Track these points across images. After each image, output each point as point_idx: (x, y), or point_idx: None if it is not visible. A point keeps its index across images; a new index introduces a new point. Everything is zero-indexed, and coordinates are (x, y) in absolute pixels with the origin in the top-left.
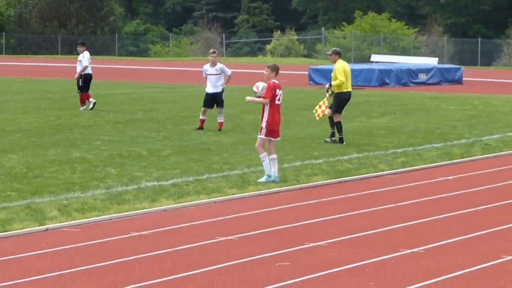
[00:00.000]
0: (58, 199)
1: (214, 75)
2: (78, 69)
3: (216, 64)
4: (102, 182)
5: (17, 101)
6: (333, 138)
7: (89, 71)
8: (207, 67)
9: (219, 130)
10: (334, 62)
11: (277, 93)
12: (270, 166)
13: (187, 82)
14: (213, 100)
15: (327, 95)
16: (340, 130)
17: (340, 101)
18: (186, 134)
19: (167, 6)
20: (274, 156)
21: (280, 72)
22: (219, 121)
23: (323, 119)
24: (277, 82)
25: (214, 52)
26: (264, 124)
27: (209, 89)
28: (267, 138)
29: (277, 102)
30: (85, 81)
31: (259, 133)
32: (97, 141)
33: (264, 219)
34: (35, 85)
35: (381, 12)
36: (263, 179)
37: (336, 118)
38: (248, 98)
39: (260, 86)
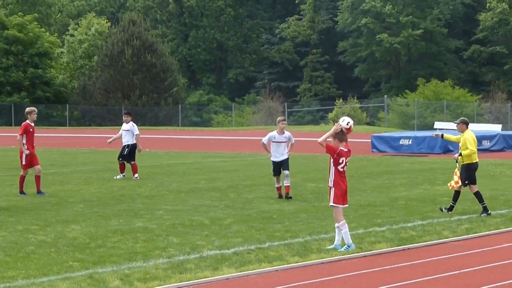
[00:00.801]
0: (120, 269)
1: (281, 143)
2: (127, 138)
3: (284, 132)
4: (164, 251)
5: (81, 172)
6: (450, 211)
7: (134, 141)
8: (274, 134)
9: (287, 193)
10: (462, 131)
11: (341, 161)
12: (338, 234)
13: (249, 151)
14: (281, 166)
15: (457, 165)
16: (481, 200)
17: (471, 171)
18: (248, 202)
19: (230, 76)
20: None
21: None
22: (286, 184)
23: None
24: (345, 150)
25: (284, 120)
26: (331, 184)
27: (276, 158)
28: (340, 206)
29: (339, 168)
30: (132, 151)
31: (330, 202)
32: (159, 210)
33: None
34: (99, 156)
35: (444, 79)
36: (343, 249)
37: (473, 189)
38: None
39: (341, 120)
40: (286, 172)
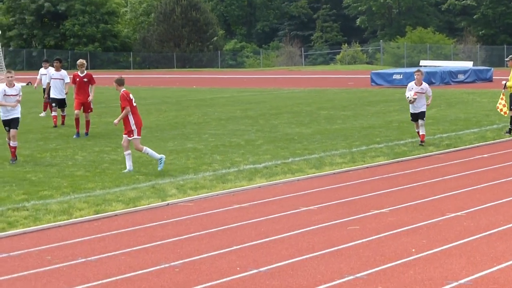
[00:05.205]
0: (176, 180)
1: (421, 94)
2: (46, 80)
3: (422, 83)
4: (210, 166)
5: (142, 105)
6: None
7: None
8: (413, 85)
9: (422, 141)
10: (511, 67)
11: (131, 97)
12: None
13: (274, 86)
14: (417, 117)
15: (503, 90)
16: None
17: None
18: (275, 127)
19: (258, 27)
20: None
21: (347, 76)
22: (422, 133)
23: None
24: (125, 90)
25: (419, 71)
26: (133, 127)
27: (415, 109)
28: (139, 137)
29: (134, 104)
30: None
31: (132, 135)
32: (205, 134)
33: (338, 192)
34: (156, 92)
35: (427, 26)
36: (161, 167)
37: (511, 113)
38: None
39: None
40: (421, 121)
